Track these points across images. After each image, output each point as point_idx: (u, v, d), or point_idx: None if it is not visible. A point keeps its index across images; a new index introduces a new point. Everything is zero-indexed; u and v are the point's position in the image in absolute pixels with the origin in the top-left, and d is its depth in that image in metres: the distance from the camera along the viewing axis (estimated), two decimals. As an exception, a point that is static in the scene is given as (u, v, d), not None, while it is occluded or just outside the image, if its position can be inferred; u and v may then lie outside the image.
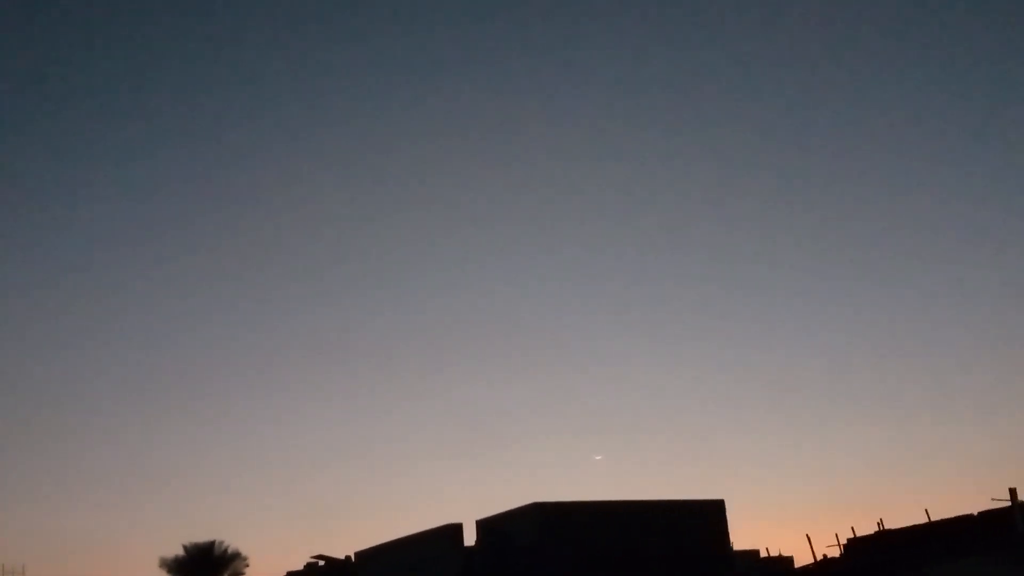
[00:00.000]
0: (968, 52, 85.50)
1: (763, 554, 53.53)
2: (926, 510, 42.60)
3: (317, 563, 57.92)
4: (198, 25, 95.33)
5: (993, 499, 37.61)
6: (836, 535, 46.19)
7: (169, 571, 55.21)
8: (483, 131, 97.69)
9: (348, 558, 56.11)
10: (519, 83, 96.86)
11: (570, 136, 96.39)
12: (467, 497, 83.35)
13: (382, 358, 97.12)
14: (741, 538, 48.10)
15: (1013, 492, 36.00)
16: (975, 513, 40.08)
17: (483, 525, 43.08)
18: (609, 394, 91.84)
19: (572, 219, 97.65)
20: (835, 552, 45.64)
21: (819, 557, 45.47)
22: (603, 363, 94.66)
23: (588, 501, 41.10)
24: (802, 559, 49.12)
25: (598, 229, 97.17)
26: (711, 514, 42.56)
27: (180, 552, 55.44)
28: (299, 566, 59.70)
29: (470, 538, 43.23)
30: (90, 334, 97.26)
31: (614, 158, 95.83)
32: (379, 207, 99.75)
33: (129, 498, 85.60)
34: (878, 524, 44.74)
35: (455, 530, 42.92)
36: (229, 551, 56.35)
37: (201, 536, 56.34)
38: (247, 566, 57.23)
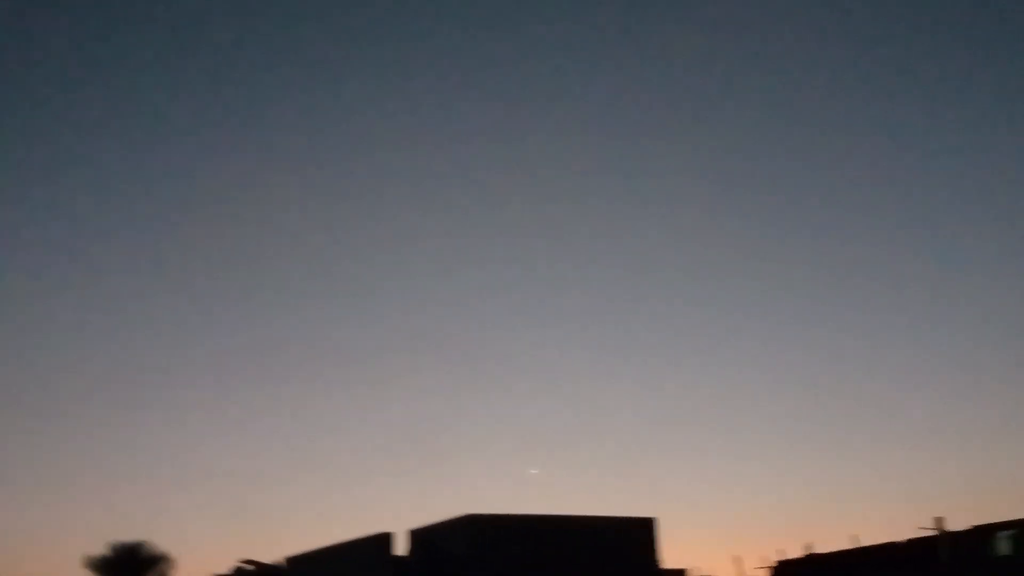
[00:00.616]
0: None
1: (691, 574, 53.89)
2: (855, 536, 43.21)
3: (245, 567, 57.36)
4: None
5: (920, 528, 38.23)
6: (765, 557, 46.69)
7: (94, 570, 54.36)
8: (430, 144, 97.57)
9: (278, 563, 55.64)
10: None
11: (516, 154, 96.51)
12: (400, 507, 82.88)
13: (320, 366, 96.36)
14: (671, 556, 48.39)
15: (940, 521, 36.57)
16: (902, 541, 40.69)
17: (415, 535, 42.92)
18: (546, 408, 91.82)
19: (509, 234, 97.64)
20: (763, 574, 46.10)
21: (747, 578, 45.88)
22: (541, 377, 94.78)
23: (521, 515, 41.11)
24: (729, 580, 49.54)
25: (535, 244, 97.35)
26: (642, 532, 42.70)
27: (106, 552, 54.58)
28: (227, 570, 59.11)
29: (402, 548, 43.06)
30: (16, 330, 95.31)
31: (560, 176, 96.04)
32: (320, 218, 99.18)
33: (55, 495, 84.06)
34: (807, 548, 45.26)
35: (386, 539, 42.69)
36: (156, 552, 55.59)
37: (128, 536, 55.53)
38: (174, 568, 56.53)
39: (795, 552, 45.66)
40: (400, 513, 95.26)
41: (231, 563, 59.20)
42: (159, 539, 56.51)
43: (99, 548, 54.81)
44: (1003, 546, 36.89)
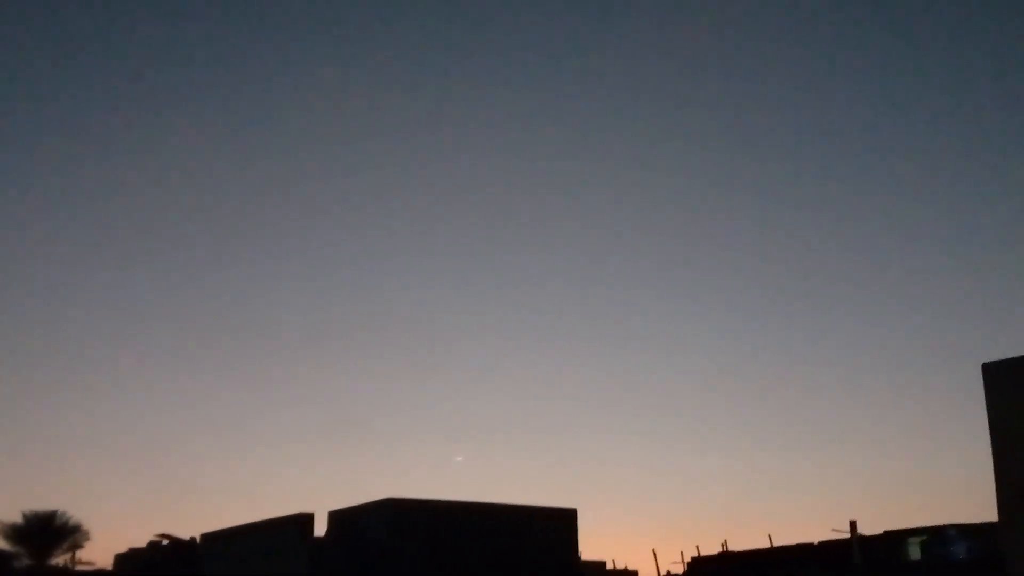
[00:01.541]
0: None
1: (609, 566, 54.43)
2: (769, 536, 43.89)
3: (161, 542, 56.82)
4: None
5: (834, 530, 38.90)
6: (681, 553, 47.31)
7: (6, 538, 53.38)
8: (385, 131, 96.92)
9: (193, 539, 55.18)
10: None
11: (456, 139, 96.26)
12: (321, 488, 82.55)
13: (245, 339, 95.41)
14: (590, 548, 48.84)
15: (853, 525, 37.22)
16: (815, 542, 41.39)
17: (335, 517, 42.80)
18: (473, 395, 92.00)
19: (438, 220, 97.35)
20: (679, 569, 46.68)
21: (663, 573, 46.41)
22: (469, 364, 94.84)
23: (442, 500, 41.17)
24: (647, 573, 50.20)
25: (467, 228, 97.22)
26: (563, 522, 42.99)
27: (19, 520, 53.64)
28: (142, 543, 58.51)
29: (321, 529, 42.93)
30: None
31: (497, 159, 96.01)
32: (260, 191, 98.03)
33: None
34: (722, 545, 45.91)
35: (305, 519, 42.50)
36: (70, 523, 54.73)
37: (42, 505, 54.58)
38: (88, 540, 55.68)
39: (711, 549, 46.30)
40: (320, 494, 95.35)
41: (146, 537, 58.68)
42: (74, 510, 55.64)
43: (13, 516, 53.89)
44: (913, 551, 37.71)
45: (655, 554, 46.63)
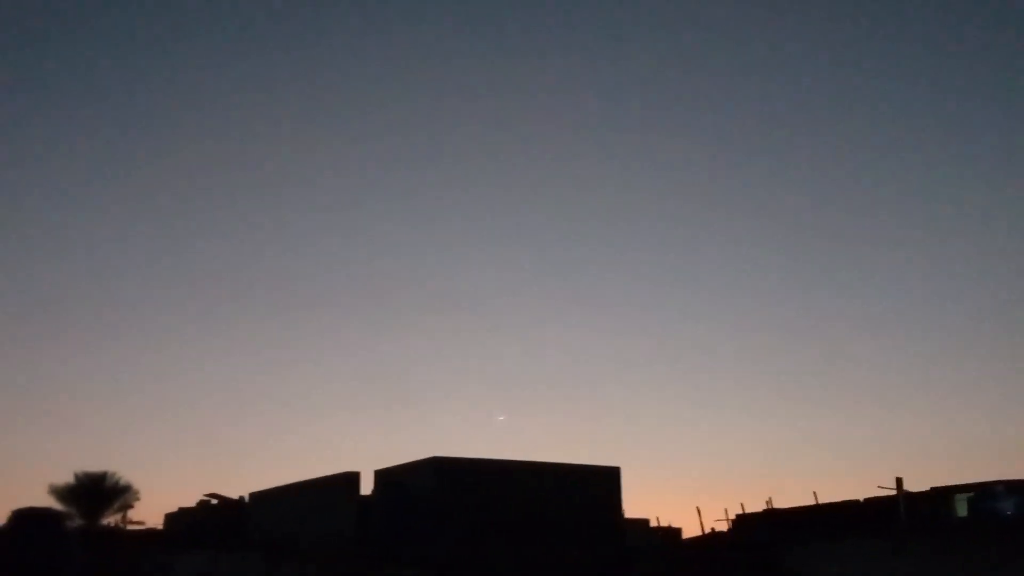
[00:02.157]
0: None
1: (653, 523, 54.49)
2: (814, 492, 43.69)
3: (210, 501, 57.55)
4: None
5: (879, 487, 38.66)
6: (726, 510, 47.20)
7: (59, 498, 54.19)
8: (415, 100, 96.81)
9: (241, 499, 55.84)
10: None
11: (502, 111, 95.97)
12: (367, 447, 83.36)
13: (291, 303, 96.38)
14: (633, 506, 48.92)
15: (899, 482, 36.98)
16: (861, 499, 41.19)
17: (381, 476, 43.12)
18: (517, 355, 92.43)
19: (481, 184, 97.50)
20: (723, 526, 46.61)
21: (707, 530, 46.37)
22: (512, 325, 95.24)
23: (485, 459, 41.38)
24: (691, 531, 50.18)
25: (507, 195, 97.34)
26: (606, 481, 43.12)
27: (71, 480, 54.50)
28: (191, 503, 59.30)
29: (367, 488, 43.28)
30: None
31: (543, 132, 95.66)
32: (297, 163, 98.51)
33: (22, 424, 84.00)
34: (767, 503, 45.76)
35: (352, 479, 42.91)
36: (121, 483, 55.50)
37: (94, 466, 55.37)
38: (138, 499, 56.44)
39: (755, 506, 46.19)
40: (366, 453, 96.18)
41: (195, 497, 59.45)
42: (125, 470, 56.44)
43: (65, 477, 54.73)
44: (960, 508, 37.43)
45: (699, 512, 46.62)
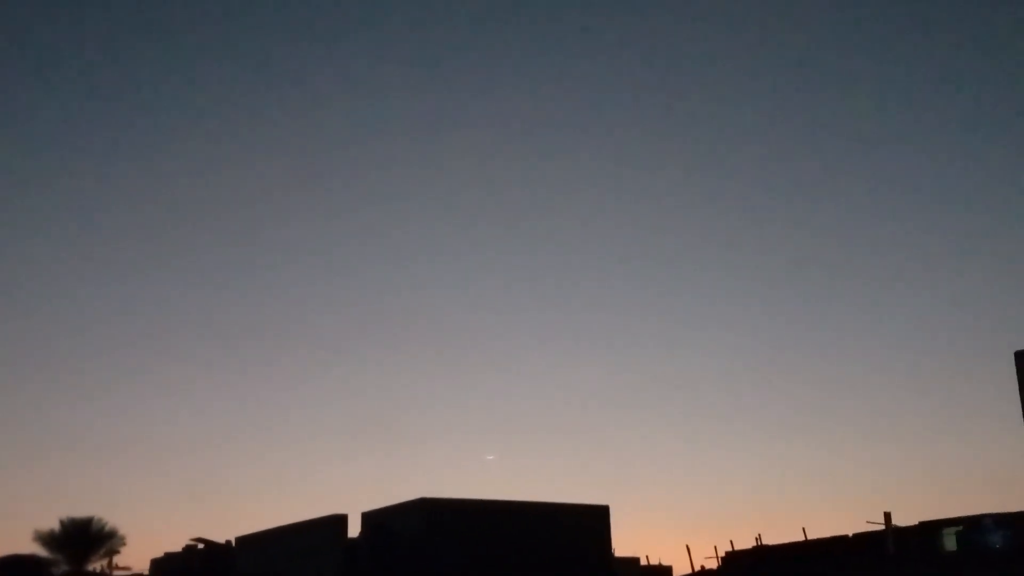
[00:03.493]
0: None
1: (643, 562, 54.29)
2: (803, 528, 43.65)
3: (196, 546, 57.09)
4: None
5: (868, 521, 38.67)
6: (715, 547, 47.06)
7: (44, 545, 53.86)
8: (406, 135, 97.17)
9: (228, 543, 55.44)
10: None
11: (488, 146, 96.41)
12: (354, 489, 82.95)
13: (275, 343, 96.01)
14: (623, 544, 48.72)
15: (887, 516, 37.01)
16: (850, 534, 41.16)
17: (368, 518, 42.92)
18: (504, 395, 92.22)
19: (469, 224, 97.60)
20: (713, 564, 46.46)
21: (697, 568, 46.22)
22: (499, 362, 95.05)
23: (474, 499, 41.21)
24: (681, 569, 49.95)
25: (495, 234, 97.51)
26: (595, 519, 42.99)
27: (56, 526, 54.15)
28: (178, 548, 58.82)
29: (355, 530, 43.05)
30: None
31: (526, 168, 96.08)
32: (285, 203, 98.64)
33: (6, 469, 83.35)
34: (756, 539, 45.68)
35: (339, 521, 42.68)
36: (106, 528, 55.20)
37: (79, 511, 55.08)
38: (124, 545, 56.14)
39: (745, 543, 46.09)
40: (353, 495, 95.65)
41: (182, 542, 58.99)
42: (110, 516, 56.10)
43: (50, 523, 54.40)
44: (949, 542, 37.42)
45: (689, 549, 46.52)
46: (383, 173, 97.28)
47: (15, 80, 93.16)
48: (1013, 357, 28.51)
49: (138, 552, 64.10)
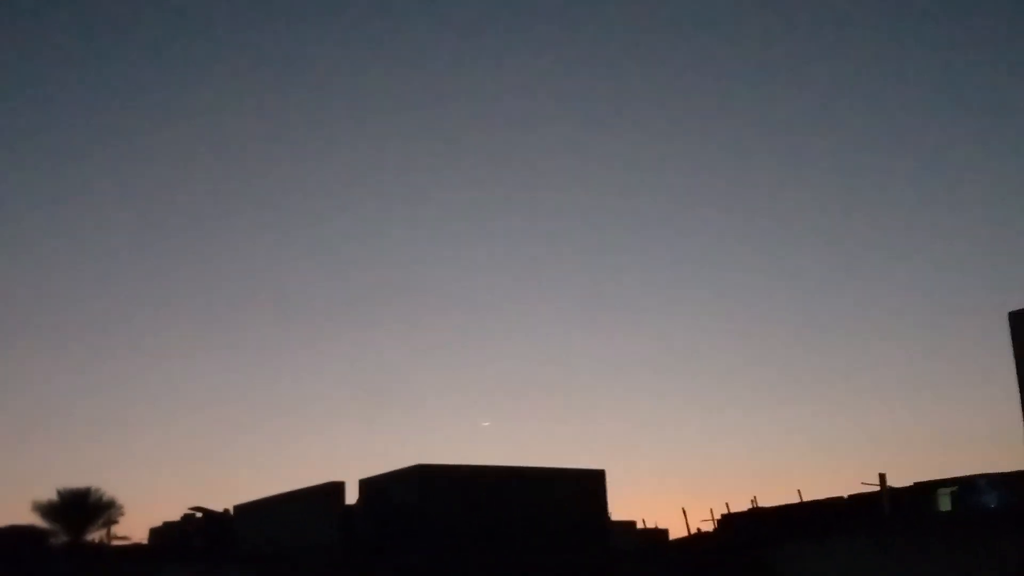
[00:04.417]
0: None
1: (639, 525, 54.56)
2: (798, 490, 43.77)
3: (194, 515, 57.30)
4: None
5: (863, 483, 38.77)
6: (711, 510, 47.22)
7: (42, 516, 53.94)
8: (397, 104, 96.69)
9: (226, 511, 55.61)
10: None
11: (480, 110, 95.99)
12: (351, 456, 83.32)
13: (273, 315, 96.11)
14: (619, 509, 49.04)
15: (882, 477, 37.11)
16: (845, 496, 41.30)
17: (365, 485, 43.02)
18: (500, 360, 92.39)
19: (460, 186, 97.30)
20: (709, 526, 46.65)
21: (693, 531, 46.41)
22: (495, 329, 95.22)
23: (470, 465, 41.29)
24: (677, 532, 50.22)
25: (494, 198, 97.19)
26: (591, 484, 43.09)
27: (54, 497, 54.23)
28: (176, 517, 59.05)
29: (352, 497, 43.16)
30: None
31: (515, 128, 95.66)
32: (275, 173, 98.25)
33: (3, 439, 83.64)
34: (752, 501, 45.82)
35: (336, 488, 42.77)
36: (104, 498, 55.29)
37: (76, 482, 55.15)
38: (122, 515, 56.24)
39: (740, 505, 46.25)
40: (350, 463, 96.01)
41: (180, 511, 59.20)
42: (108, 486, 56.20)
43: (48, 494, 54.48)
44: (944, 502, 37.57)
45: (685, 512, 46.66)
46: (380, 144, 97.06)
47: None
48: (1007, 317, 28.46)
49: (136, 522, 64.54)
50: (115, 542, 56.29)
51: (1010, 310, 28.87)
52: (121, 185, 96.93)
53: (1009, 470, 34.59)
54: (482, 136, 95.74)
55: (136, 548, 57.06)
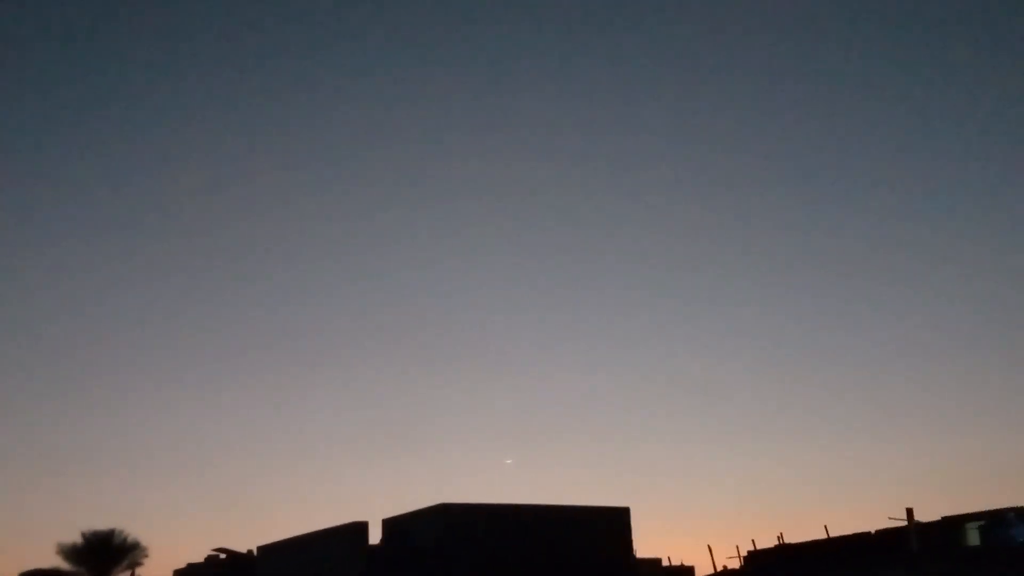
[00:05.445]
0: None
1: (665, 563, 54.16)
2: (825, 526, 43.50)
3: (218, 556, 57.26)
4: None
5: (890, 518, 38.48)
6: (737, 547, 46.99)
7: (66, 558, 54.17)
8: (410, 139, 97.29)
9: (250, 552, 55.57)
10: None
11: (498, 148, 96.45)
12: (374, 495, 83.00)
13: (293, 351, 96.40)
14: (644, 546, 48.63)
15: (910, 512, 36.81)
16: (872, 531, 41.00)
17: (388, 524, 42.91)
18: (522, 398, 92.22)
19: (483, 226, 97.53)
20: (735, 564, 46.36)
21: (719, 568, 46.12)
22: (517, 366, 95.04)
23: (494, 504, 41.14)
24: (703, 569, 49.86)
25: (509, 237, 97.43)
26: (616, 521, 42.83)
27: (78, 539, 54.42)
28: (199, 558, 58.97)
29: (376, 537, 43.05)
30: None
31: (539, 170, 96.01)
32: (297, 212, 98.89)
33: (28, 482, 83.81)
34: (778, 538, 45.55)
35: (360, 528, 42.63)
36: (128, 541, 55.48)
37: (100, 524, 55.37)
38: (146, 556, 56.45)
39: (767, 542, 45.96)
40: (374, 502, 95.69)
41: (204, 552, 59.17)
42: (132, 528, 56.44)
43: (72, 536, 54.68)
44: (972, 536, 37.23)
45: (711, 549, 46.41)
46: (395, 177, 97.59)
47: (17, 80, 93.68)
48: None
49: (160, 563, 64.25)
50: (139, 584, 56.40)
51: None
52: (136, 238, 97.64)
53: (1039, 503, 34.28)
54: (506, 171, 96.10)
55: (160, 590, 57.13)
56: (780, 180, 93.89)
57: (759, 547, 45.89)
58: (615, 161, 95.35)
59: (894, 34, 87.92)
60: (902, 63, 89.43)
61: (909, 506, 36.95)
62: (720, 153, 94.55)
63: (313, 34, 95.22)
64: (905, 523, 36.93)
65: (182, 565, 60.17)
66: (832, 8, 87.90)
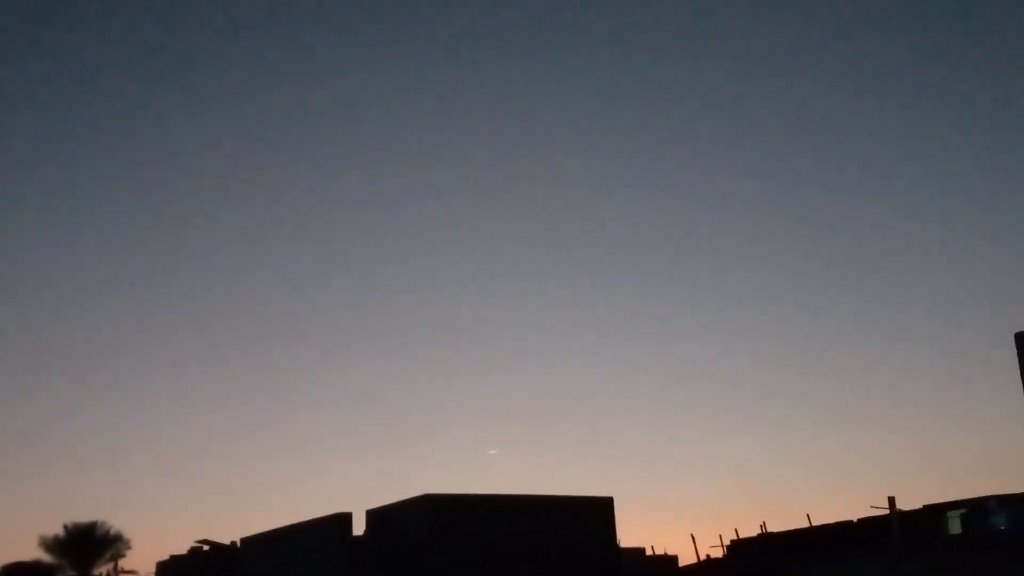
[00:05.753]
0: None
1: (649, 552, 54.32)
2: (808, 515, 43.70)
3: (201, 548, 57.15)
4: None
5: (872, 507, 38.68)
6: (720, 536, 47.16)
7: (48, 551, 53.94)
8: (408, 133, 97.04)
9: (233, 544, 55.48)
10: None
11: (481, 140, 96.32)
12: (358, 487, 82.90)
13: (277, 343, 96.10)
14: (628, 536, 48.75)
15: (892, 501, 36.97)
16: (855, 520, 41.19)
17: (373, 515, 42.88)
18: (506, 388, 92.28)
19: (468, 217, 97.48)
20: (719, 552, 46.53)
21: (703, 557, 46.28)
22: (500, 357, 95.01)
23: (478, 494, 41.13)
24: (686, 558, 50.04)
25: (494, 226, 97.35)
26: (600, 511, 42.88)
27: (60, 532, 54.21)
28: (183, 550, 58.85)
29: (360, 528, 43.03)
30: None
31: (522, 160, 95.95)
32: (282, 203, 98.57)
33: (9, 475, 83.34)
34: (761, 527, 45.73)
35: (343, 519, 42.62)
36: (111, 533, 55.30)
37: (83, 516, 55.14)
38: (129, 548, 56.28)
39: (750, 531, 46.12)
40: (358, 493, 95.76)
41: (187, 544, 59.06)
42: (114, 520, 56.25)
43: (54, 528, 54.46)
44: (954, 525, 37.45)
45: (694, 538, 46.60)
46: (383, 169, 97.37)
47: (17, 81, 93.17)
48: (1014, 338, 28.45)
49: (143, 555, 64.33)
50: (122, 576, 56.26)
51: (1017, 331, 28.85)
52: (120, 230, 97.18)
53: (1018, 491, 34.51)
54: (490, 165, 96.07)
55: (143, 582, 57.05)
56: (771, 174, 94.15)
57: (742, 536, 46.06)
58: (604, 151, 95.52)
59: (894, 34, 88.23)
60: (902, 63, 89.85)
61: (891, 495, 37.14)
62: (717, 146, 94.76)
63: (313, 32, 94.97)
64: (887, 512, 37.10)
65: (165, 557, 60.02)
66: (833, 7, 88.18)
